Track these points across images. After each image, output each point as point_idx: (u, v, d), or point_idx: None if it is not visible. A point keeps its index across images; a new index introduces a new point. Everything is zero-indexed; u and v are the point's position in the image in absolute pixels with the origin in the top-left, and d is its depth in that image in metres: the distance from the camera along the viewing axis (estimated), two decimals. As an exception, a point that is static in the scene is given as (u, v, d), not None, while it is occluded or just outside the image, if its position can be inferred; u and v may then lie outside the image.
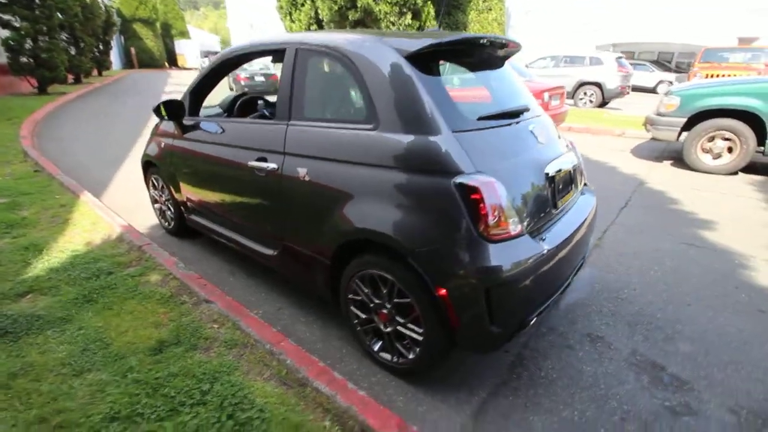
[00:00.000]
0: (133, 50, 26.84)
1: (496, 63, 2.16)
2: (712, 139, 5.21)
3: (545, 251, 1.65)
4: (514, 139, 1.85)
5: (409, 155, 1.62)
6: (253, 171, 2.16)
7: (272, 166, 2.05)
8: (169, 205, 3.19)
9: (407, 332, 1.75)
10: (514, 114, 1.93)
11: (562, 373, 1.92)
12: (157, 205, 3.42)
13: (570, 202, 2.05)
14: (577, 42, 19.21)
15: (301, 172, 1.93)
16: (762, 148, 4.94)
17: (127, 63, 27.18)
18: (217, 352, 1.89)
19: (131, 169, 5.35)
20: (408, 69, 1.67)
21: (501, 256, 1.53)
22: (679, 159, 5.78)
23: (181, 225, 3.16)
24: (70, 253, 2.82)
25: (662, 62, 20.61)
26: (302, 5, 14.32)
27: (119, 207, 3.89)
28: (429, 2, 11.88)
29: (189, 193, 2.85)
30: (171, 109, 2.60)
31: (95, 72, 18.55)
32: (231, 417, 1.51)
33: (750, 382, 1.85)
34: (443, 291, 1.55)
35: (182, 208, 3.02)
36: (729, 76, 9.05)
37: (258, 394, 1.63)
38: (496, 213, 1.53)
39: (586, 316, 2.33)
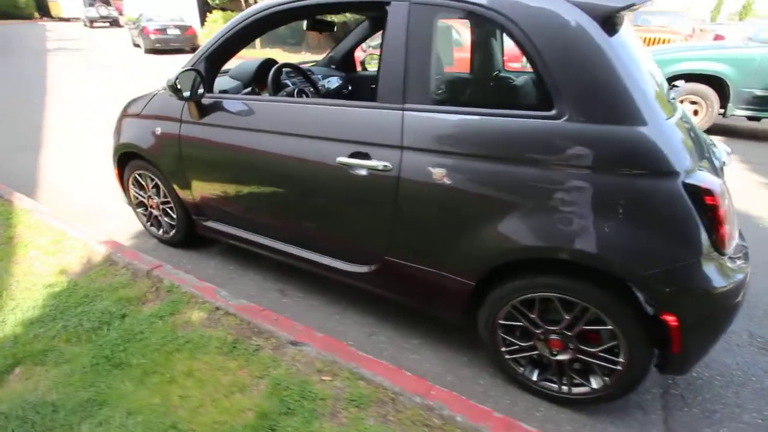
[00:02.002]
0: (-14, -5, 21.37)
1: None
2: (680, 102, 5.52)
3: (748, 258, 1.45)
4: (690, 124, 1.57)
5: (611, 151, 1.26)
6: (344, 170, 1.63)
7: (383, 164, 1.54)
8: (169, 209, 2.45)
9: (596, 361, 1.47)
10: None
11: (712, 371, 1.81)
12: (142, 210, 2.62)
13: None
14: None
15: (437, 173, 1.46)
16: (723, 110, 5.37)
17: (-19, 12, 21.66)
18: (349, 416, 1.44)
19: (57, 156, 4.18)
20: (602, 37, 1.27)
21: (737, 271, 1.30)
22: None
23: (188, 233, 2.46)
24: (46, 291, 2.02)
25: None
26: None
27: (65, 211, 2.96)
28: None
29: (210, 194, 2.16)
30: (187, 84, 1.86)
31: (-60, 22, 14.39)
32: None
33: None
34: (672, 317, 1.27)
35: (193, 212, 2.32)
36: (664, 41, 9.72)
37: (446, 474, 1.25)
38: (729, 219, 1.27)
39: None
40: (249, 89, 2.27)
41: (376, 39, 3.11)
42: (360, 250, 1.80)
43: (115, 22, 22.68)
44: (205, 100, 1.95)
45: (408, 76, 1.50)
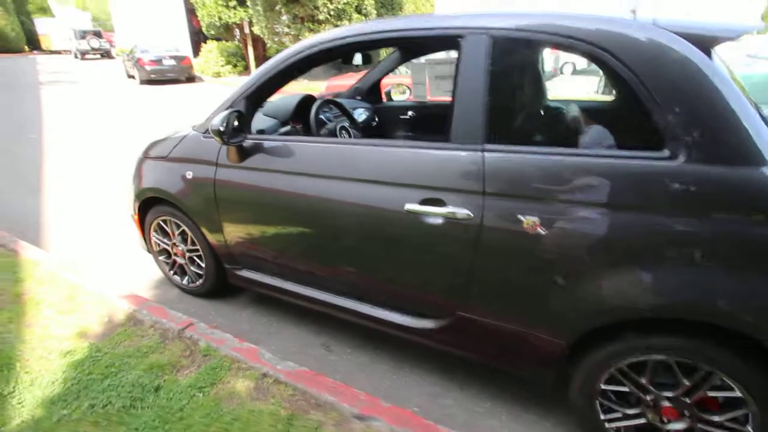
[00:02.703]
0: (-23, 30, 21.38)
1: None
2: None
3: None
4: None
5: (733, 195, 1.12)
6: (414, 218, 1.46)
7: (462, 212, 1.38)
8: (197, 258, 2.25)
9: (717, 430, 1.28)
10: None
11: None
12: (164, 257, 2.41)
13: None
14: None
15: (529, 221, 1.30)
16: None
17: (-29, 46, 21.62)
18: None
19: (59, 195, 3.96)
20: (712, 70, 1.15)
21: None
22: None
23: (217, 283, 2.25)
24: (65, 360, 1.78)
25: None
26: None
27: (75, 259, 2.74)
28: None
29: (248, 242, 1.97)
30: (233, 127, 1.70)
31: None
32: None
33: None
34: (822, 384, 1.11)
35: (225, 261, 2.12)
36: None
37: None
38: None
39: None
40: (288, 128, 2.12)
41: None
42: (427, 304, 1.62)
43: (106, 54, 22.74)
44: (246, 143, 1.79)
45: (489, 114, 1.36)
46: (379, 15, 12.01)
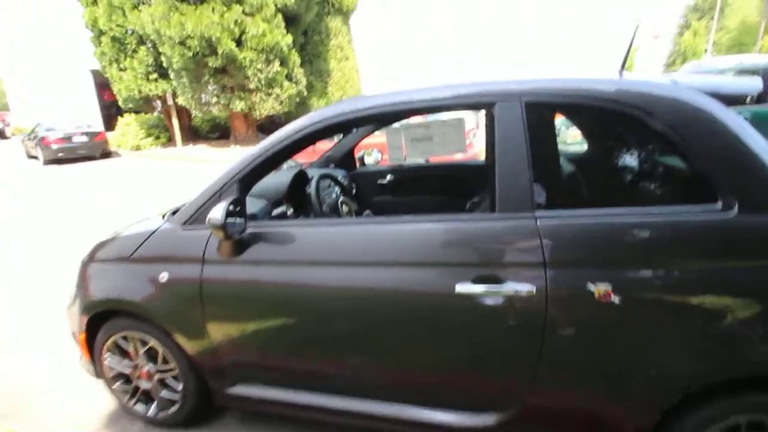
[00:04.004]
0: None
1: None
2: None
3: None
4: None
5: None
6: (467, 300, 1.28)
7: (523, 287, 1.23)
8: (168, 380, 1.79)
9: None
10: None
11: None
12: (121, 383, 1.89)
13: None
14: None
15: (600, 290, 1.19)
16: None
17: None
18: None
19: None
20: (744, 126, 1.21)
21: None
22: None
23: (198, 406, 1.80)
24: None
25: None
26: (135, 51, 12.07)
27: None
28: (293, 50, 11.50)
29: (247, 350, 1.61)
30: (234, 218, 1.41)
31: None
32: None
33: None
34: None
35: (211, 378, 1.71)
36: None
37: None
38: None
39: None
40: (282, 209, 1.86)
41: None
42: (487, 395, 1.39)
43: (0, 134, 20.43)
44: (248, 235, 1.50)
45: (536, 179, 1.27)
46: (308, 83, 12.35)
